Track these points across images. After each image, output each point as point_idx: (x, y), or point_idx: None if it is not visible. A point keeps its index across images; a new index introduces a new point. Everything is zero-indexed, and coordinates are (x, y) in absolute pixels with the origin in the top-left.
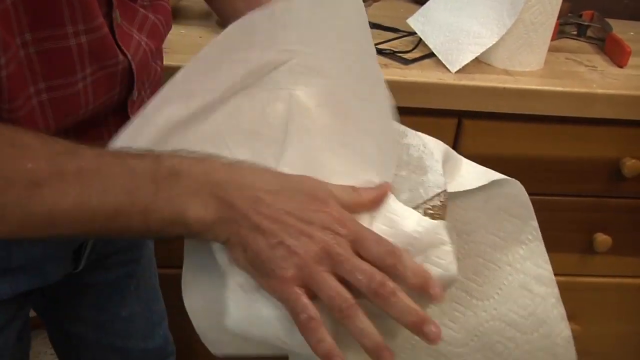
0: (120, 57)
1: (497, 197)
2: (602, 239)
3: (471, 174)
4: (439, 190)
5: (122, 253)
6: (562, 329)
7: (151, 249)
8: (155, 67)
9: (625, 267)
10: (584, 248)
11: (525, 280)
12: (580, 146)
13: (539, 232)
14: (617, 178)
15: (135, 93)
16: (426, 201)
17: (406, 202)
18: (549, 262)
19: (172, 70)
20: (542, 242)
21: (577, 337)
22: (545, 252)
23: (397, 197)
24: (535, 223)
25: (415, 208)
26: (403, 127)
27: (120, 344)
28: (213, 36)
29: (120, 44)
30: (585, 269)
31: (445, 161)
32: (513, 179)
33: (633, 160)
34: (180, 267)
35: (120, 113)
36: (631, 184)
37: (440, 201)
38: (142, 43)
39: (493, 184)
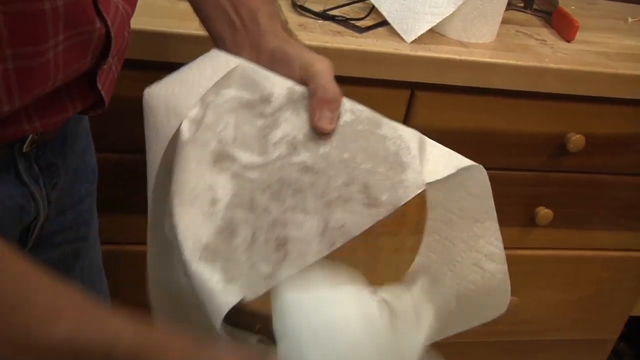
0: (98, 23)
1: (457, 176)
2: (544, 212)
3: (439, 161)
4: (419, 191)
5: (68, 230)
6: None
7: (96, 225)
8: (125, 35)
9: (564, 240)
10: (526, 221)
11: (477, 257)
12: (528, 120)
13: (494, 211)
14: (560, 152)
15: (104, 62)
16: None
17: (386, 204)
18: (501, 240)
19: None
20: (496, 221)
21: (515, 308)
22: (498, 230)
23: (378, 197)
24: (491, 202)
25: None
26: (377, 116)
27: None
28: None
29: (101, 7)
30: (525, 242)
31: (421, 153)
32: (478, 165)
33: (578, 136)
34: (122, 243)
35: (86, 83)
36: (574, 158)
37: None
38: (120, 7)
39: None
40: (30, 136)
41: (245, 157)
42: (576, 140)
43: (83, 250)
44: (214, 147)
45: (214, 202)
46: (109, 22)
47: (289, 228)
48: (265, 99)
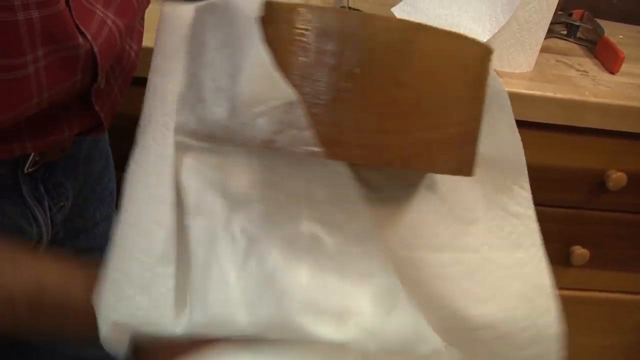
0: (81, 39)
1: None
2: (580, 252)
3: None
4: None
5: (82, 255)
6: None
7: None
8: (127, 50)
9: (600, 282)
10: (561, 260)
11: (524, 287)
12: (566, 155)
13: (540, 238)
14: (600, 190)
15: (102, 81)
16: None
17: None
18: (548, 271)
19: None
20: (543, 249)
21: None
22: (545, 261)
23: None
24: (535, 225)
25: None
26: None
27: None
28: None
29: (78, 22)
30: (560, 282)
31: None
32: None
33: (619, 173)
34: None
35: (83, 104)
36: (614, 196)
37: None
38: (108, 21)
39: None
40: (32, 156)
41: None
42: (617, 177)
43: None
44: None
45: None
46: (89, 37)
47: None
48: None
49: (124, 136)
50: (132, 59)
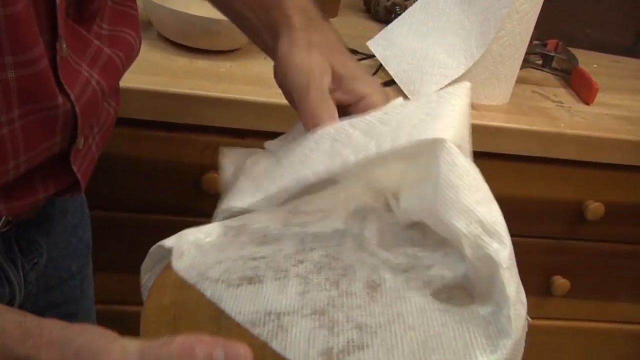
0: (61, 99)
1: None
2: (560, 282)
3: None
4: None
5: (56, 308)
6: None
7: (90, 298)
8: (107, 109)
9: (582, 311)
10: (541, 291)
11: None
12: (544, 186)
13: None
14: (578, 220)
15: (80, 141)
16: None
17: None
18: None
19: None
20: None
21: None
22: None
23: None
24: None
25: None
26: None
27: None
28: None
29: (63, 81)
30: (541, 311)
31: None
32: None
33: (597, 204)
34: (115, 303)
35: (60, 165)
36: (592, 227)
37: None
38: (93, 81)
39: None
40: (4, 217)
41: None
42: (595, 208)
43: None
44: None
45: None
46: (73, 98)
47: None
48: None
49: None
50: (111, 116)
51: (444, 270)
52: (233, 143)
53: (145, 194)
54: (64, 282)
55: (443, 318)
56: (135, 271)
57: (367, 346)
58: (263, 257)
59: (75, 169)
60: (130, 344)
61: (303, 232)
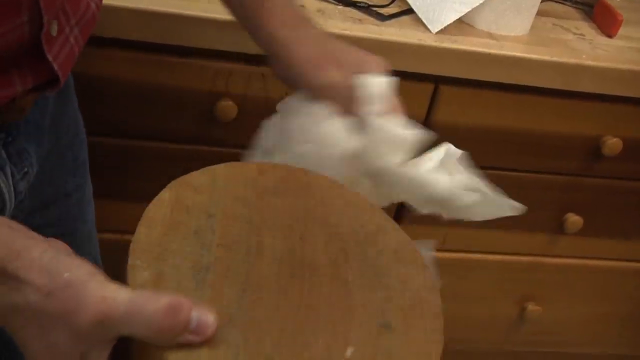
0: None
1: None
2: (574, 219)
3: None
4: None
5: (55, 226)
6: None
7: (91, 221)
8: (86, 0)
9: (593, 249)
10: (554, 228)
11: None
12: (561, 121)
13: None
14: (595, 157)
15: (54, 27)
16: None
17: None
18: None
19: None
20: None
21: (538, 319)
22: None
23: None
24: None
25: None
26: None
27: None
28: None
29: None
30: (553, 250)
31: None
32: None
33: (614, 139)
34: (118, 231)
35: (35, 55)
36: (609, 163)
37: None
38: None
39: None
40: None
41: None
42: (612, 144)
43: (72, 247)
44: None
45: None
46: None
47: None
48: None
49: (91, 97)
50: (91, 10)
51: None
52: (246, 70)
53: (150, 120)
54: (61, 201)
55: None
56: (133, 200)
57: None
58: None
59: (50, 57)
60: (119, 295)
61: None
